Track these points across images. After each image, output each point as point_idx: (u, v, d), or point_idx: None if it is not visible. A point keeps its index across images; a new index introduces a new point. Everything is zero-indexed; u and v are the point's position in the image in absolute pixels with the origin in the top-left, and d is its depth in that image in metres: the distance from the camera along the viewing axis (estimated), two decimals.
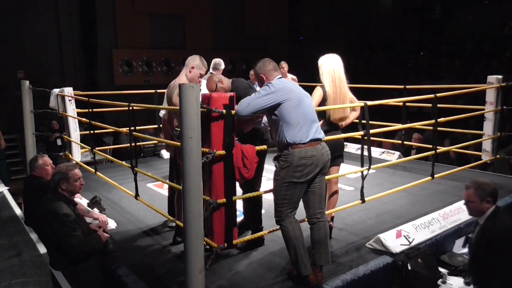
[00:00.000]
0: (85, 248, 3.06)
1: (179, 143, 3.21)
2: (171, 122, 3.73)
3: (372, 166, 3.89)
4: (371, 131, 3.86)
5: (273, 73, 3.11)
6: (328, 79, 3.62)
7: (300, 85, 3.22)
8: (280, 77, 3.10)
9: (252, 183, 3.51)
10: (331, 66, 3.63)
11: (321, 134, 3.05)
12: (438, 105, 4.60)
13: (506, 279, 2.87)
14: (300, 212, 3.13)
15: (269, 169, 6.08)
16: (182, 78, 3.55)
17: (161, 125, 4.68)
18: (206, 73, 4.00)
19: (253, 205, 3.75)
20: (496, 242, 2.89)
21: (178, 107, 3.34)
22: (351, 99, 3.75)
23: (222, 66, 5.67)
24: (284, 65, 6.39)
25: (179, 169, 3.70)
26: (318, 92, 3.60)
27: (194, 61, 3.54)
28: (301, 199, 3.07)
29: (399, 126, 5.16)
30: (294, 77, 6.45)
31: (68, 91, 5.60)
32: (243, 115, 2.95)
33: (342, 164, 3.88)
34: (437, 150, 4.74)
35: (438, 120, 4.61)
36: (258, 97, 2.95)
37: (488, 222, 2.99)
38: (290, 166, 2.91)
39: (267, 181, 5.45)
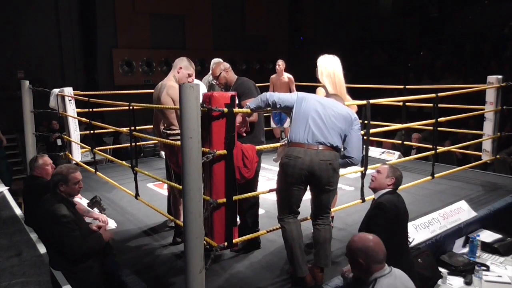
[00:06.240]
0: (84, 249, 3.05)
1: (174, 143, 3.24)
2: (158, 123, 3.75)
3: (372, 166, 3.89)
4: (371, 130, 3.86)
5: None
6: (329, 81, 3.64)
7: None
8: None
9: (250, 184, 3.43)
10: (331, 68, 3.65)
11: (326, 139, 2.92)
12: (439, 105, 4.60)
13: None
14: (301, 212, 3.13)
15: (269, 169, 6.13)
16: (170, 79, 3.57)
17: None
18: (207, 75, 3.94)
19: (250, 207, 3.65)
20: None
21: (167, 106, 3.39)
22: (348, 100, 3.77)
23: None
24: (281, 62, 6.27)
25: (171, 170, 3.71)
26: (321, 93, 3.61)
27: (182, 62, 3.59)
28: (301, 201, 3.06)
29: (399, 126, 5.16)
30: (290, 76, 6.39)
31: (68, 91, 5.59)
32: (269, 102, 3.03)
33: None
34: (437, 150, 4.74)
35: (438, 119, 4.61)
36: (285, 94, 3.12)
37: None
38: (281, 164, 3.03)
39: (267, 181, 5.47)
